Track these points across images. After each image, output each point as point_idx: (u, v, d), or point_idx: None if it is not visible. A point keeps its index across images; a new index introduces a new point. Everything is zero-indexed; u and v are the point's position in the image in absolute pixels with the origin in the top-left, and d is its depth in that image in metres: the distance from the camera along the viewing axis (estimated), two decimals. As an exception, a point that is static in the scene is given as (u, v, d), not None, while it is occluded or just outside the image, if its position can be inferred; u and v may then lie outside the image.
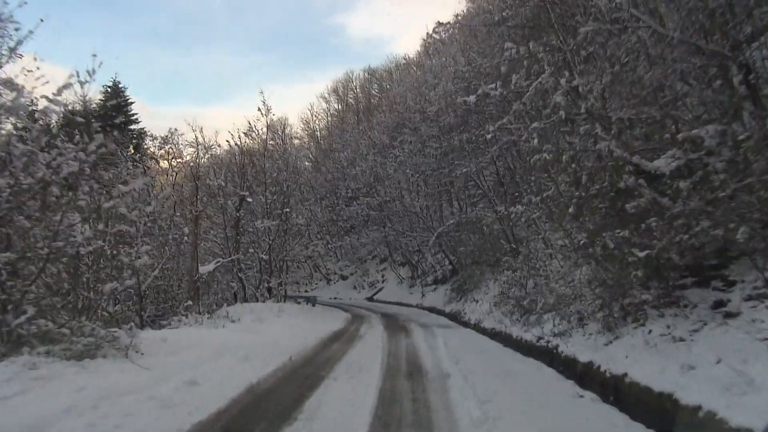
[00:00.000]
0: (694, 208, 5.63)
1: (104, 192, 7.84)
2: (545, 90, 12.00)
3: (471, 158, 14.63)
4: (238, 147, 19.38)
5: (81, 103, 9.52)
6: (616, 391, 5.75)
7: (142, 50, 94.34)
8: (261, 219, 18.40)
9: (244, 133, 19.66)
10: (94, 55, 7.42)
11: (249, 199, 18.43)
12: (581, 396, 6.23)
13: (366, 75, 53.11)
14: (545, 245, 14.25)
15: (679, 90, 6.65)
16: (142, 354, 6.89)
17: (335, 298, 38.77)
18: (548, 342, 8.69)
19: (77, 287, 7.35)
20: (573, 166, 8.29)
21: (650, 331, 6.13)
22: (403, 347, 10.86)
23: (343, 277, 42.14)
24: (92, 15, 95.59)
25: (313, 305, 26.33)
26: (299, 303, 23.05)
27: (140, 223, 16.07)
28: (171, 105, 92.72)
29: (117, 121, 37.91)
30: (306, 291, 45.69)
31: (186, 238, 16.44)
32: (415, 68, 38.29)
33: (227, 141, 19.85)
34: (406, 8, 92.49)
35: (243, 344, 8.90)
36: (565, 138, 9.43)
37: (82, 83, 7.30)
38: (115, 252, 8.13)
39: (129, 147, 31.57)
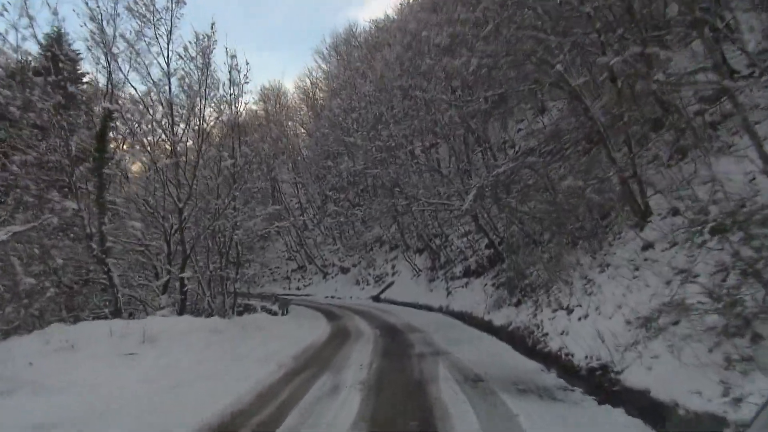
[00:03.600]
0: None
1: None
2: None
3: None
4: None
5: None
6: None
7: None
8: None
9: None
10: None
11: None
12: None
13: (372, 28, 43.79)
14: None
15: None
16: None
17: (332, 297, 29.86)
18: None
19: None
20: None
21: None
22: None
23: (344, 270, 33.12)
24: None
25: (284, 313, 17.43)
26: (250, 312, 14.12)
27: None
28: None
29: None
30: (297, 288, 36.90)
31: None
32: None
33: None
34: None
35: None
36: None
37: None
38: None
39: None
